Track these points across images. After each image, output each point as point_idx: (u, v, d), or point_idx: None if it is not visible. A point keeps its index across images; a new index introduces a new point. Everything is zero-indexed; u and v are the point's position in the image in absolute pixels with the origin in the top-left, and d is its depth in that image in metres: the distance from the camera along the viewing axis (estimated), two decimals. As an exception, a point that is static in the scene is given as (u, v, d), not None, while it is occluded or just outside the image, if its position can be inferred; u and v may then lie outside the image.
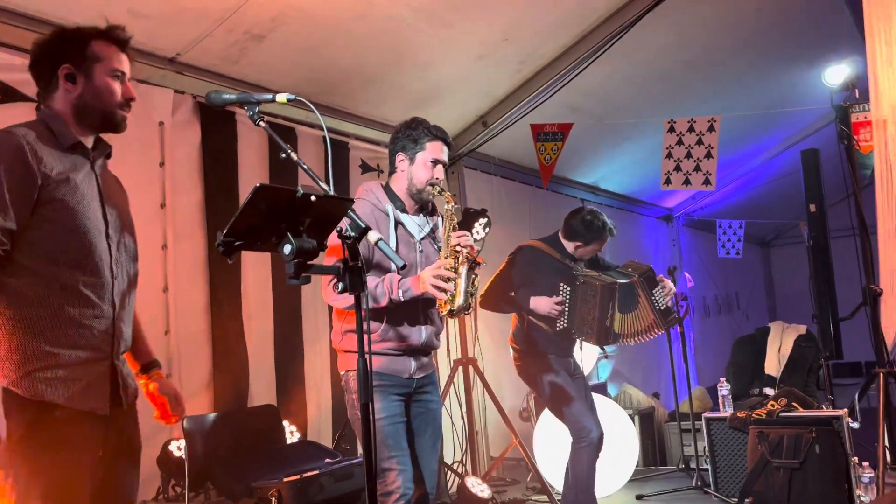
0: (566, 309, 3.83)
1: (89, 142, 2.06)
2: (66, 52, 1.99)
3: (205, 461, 3.25)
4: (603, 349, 4.06)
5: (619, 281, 3.86)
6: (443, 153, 2.79)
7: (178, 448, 3.35)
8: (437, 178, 2.76)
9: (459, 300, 2.59)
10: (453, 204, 2.69)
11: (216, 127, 4.16)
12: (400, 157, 2.80)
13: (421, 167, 2.76)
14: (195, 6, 3.56)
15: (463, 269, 2.58)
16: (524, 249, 4.04)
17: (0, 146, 1.84)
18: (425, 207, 2.87)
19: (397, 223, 2.75)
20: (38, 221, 1.86)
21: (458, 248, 2.61)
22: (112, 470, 1.99)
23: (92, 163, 2.04)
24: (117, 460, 2.01)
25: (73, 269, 1.90)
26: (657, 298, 3.86)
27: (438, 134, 2.79)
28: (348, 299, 2.51)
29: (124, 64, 2.05)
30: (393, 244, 2.66)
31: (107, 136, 2.14)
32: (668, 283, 3.89)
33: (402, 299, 2.57)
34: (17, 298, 1.86)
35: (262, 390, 4.19)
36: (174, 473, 3.30)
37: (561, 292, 3.85)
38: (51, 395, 1.84)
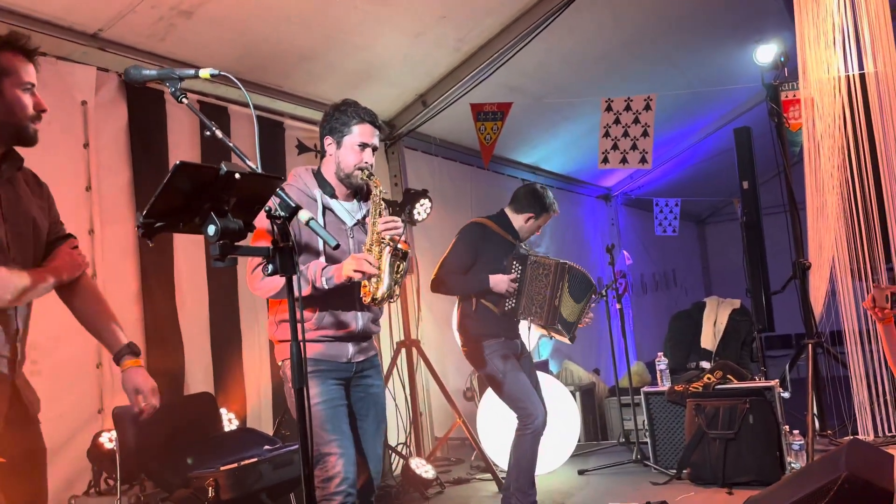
0: (515, 288, 3.82)
1: (1, 155, 1.98)
2: None
3: (138, 452, 3.14)
4: (548, 331, 4.06)
5: (570, 264, 3.90)
6: (372, 137, 2.72)
7: (109, 440, 3.23)
8: (365, 163, 2.68)
9: (383, 288, 2.53)
10: (381, 189, 2.63)
11: (144, 106, 4.00)
12: (328, 140, 2.73)
13: (349, 151, 2.68)
14: (116, -21, 3.40)
15: (387, 257, 2.52)
16: (472, 227, 3.97)
17: None
18: (358, 192, 2.80)
19: (326, 209, 2.68)
20: None
21: (383, 236, 2.55)
22: (12, 484, 1.95)
23: (2, 176, 1.98)
24: (17, 473, 1.97)
25: None
26: (585, 311, 3.94)
27: (366, 117, 2.71)
28: (274, 285, 2.45)
29: (32, 75, 1.99)
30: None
31: None
32: (591, 315, 4.02)
33: (326, 287, 2.51)
34: None
35: (198, 378, 4.08)
36: (106, 466, 3.19)
37: (514, 271, 3.83)
38: None
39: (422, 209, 5.28)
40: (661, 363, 4.94)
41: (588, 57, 5.82)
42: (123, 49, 3.83)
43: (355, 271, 2.44)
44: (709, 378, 4.67)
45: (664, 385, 4.88)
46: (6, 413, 1.94)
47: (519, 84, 5.73)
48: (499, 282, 3.78)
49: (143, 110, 3.99)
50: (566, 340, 3.98)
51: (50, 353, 3.41)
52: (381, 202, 2.62)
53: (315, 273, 2.51)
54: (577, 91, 6.14)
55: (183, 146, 4.17)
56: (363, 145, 2.69)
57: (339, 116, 2.71)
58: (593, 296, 4.03)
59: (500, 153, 6.46)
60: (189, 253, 4.14)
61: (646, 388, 4.97)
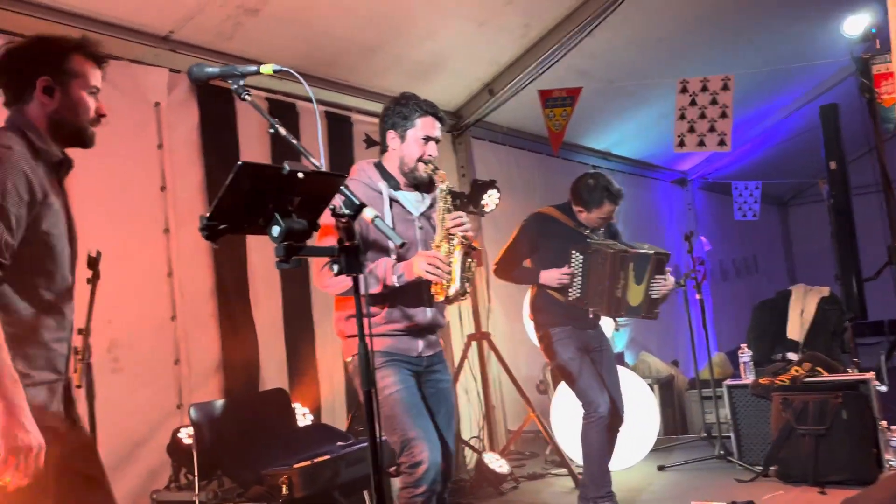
0: (578, 278, 3.73)
1: (59, 154, 2.03)
2: (45, 64, 1.96)
3: (214, 449, 3.18)
4: (615, 321, 3.97)
5: (631, 250, 3.76)
6: (435, 129, 2.68)
7: (187, 435, 3.29)
8: (429, 156, 2.65)
9: (455, 286, 2.50)
10: (446, 184, 2.58)
11: (214, 105, 4.04)
12: (391, 134, 2.69)
13: (412, 144, 2.65)
14: (183, -20, 3.44)
15: (457, 254, 2.48)
16: (536, 216, 3.96)
17: (5, 162, 1.82)
18: (421, 184, 2.76)
19: (392, 201, 2.65)
20: (31, 240, 1.85)
21: (452, 232, 2.51)
22: (77, 477, 1.99)
23: (60, 180, 2.02)
24: (80, 470, 2.00)
25: (45, 290, 1.90)
26: (655, 285, 3.76)
27: (429, 109, 2.68)
28: (343, 284, 2.42)
29: (98, 80, 2.04)
30: (389, 223, 2.55)
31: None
32: (672, 279, 3.82)
33: (397, 285, 2.49)
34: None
35: (273, 373, 4.13)
36: (184, 461, 3.25)
37: (573, 261, 3.75)
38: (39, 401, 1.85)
39: (490, 200, 5.20)
40: (745, 355, 4.73)
41: (660, 37, 5.59)
42: (193, 49, 3.88)
43: (427, 272, 2.41)
44: (796, 370, 4.44)
45: (748, 378, 4.67)
46: (65, 410, 1.98)
47: (588, 68, 5.56)
48: (549, 277, 3.76)
49: (213, 109, 4.03)
50: (648, 318, 3.87)
51: (130, 349, 3.50)
52: (448, 197, 2.57)
53: (385, 271, 2.49)
54: (650, 73, 5.92)
55: (253, 144, 4.20)
56: (427, 138, 2.66)
57: (400, 110, 2.68)
58: (661, 263, 3.80)
59: (570, 139, 6.29)
60: (262, 248, 4.17)
61: (729, 381, 4.76)
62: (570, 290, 3.74)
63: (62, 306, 1.96)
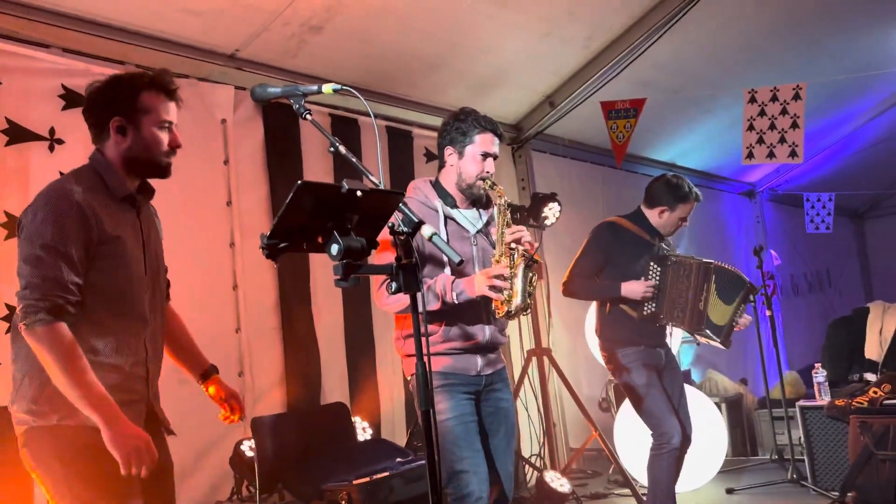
0: (655, 291, 3.58)
1: (136, 185, 2.12)
2: (117, 104, 2.04)
3: (275, 462, 3.22)
4: (694, 336, 3.79)
5: (715, 263, 3.64)
6: (493, 146, 2.65)
7: (249, 448, 3.33)
8: (487, 172, 2.62)
9: (517, 300, 2.46)
10: (505, 199, 2.55)
11: (279, 122, 4.12)
12: (448, 150, 2.67)
13: (470, 161, 2.62)
14: (250, 1, 3.51)
15: (519, 268, 2.44)
16: (606, 226, 3.76)
17: (62, 206, 1.92)
18: (479, 201, 2.73)
19: (448, 218, 2.63)
20: (91, 275, 1.95)
21: (512, 246, 2.47)
22: (152, 487, 2.05)
23: (138, 211, 2.11)
24: (156, 479, 2.05)
25: (116, 318, 2.00)
26: (739, 313, 3.64)
27: (488, 125, 2.65)
28: (401, 302, 2.41)
29: (172, 113, 2.10)
30: (445, 241, 2.53)
31: None
32: (748, 317, 3.73)
33: (457, 302, 2.45)
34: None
35: (334, 387, 4.15)
36: (246, 474, 3.29)
37: (650, 273, 3.61)
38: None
39: (551, 213, 5.14)
40: (820, 375, 4.52)
41: (727, 46, 5.45)
42: (258, 67, 3.97)
43: (489, 288, 2.38)
44: (875, 392, 4.23)
45: (823, 399, 4.46)
46: (144, 429, 2.02)
47: (652, 78, 5.46)
48: (633, 289, 3.55)
49: (278, 126, 4.11)
50: (719, 345, 3.71)
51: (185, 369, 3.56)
52: (507, 212, 2.54)
53: (444, 288, 2.46)
54: (716, 82, 5.77)
55: (315, 160, 4.26)
56: (485, 154, 2.63)
57: (459, 126, 2.65)
58: (750, 295, 3.71)
59: (633, 151, 6.17)
60: (325, 263, 4.22)
61: (802, 402, 4.56)
62: (646, 304, 3.61)
63: (135, 329, 2.04)
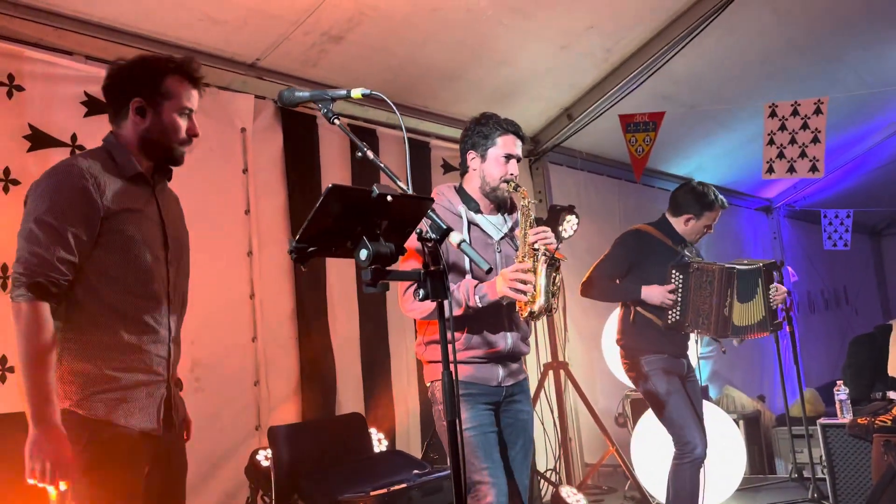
0: (678, 299, 3.55)
1: (151, 167, 2.10)
2: (140, 85, 2.02)
3: (291, 472, 3.19)
4: (720, 342, 3.75)
5: (738, 266, 3.60)
6: (516, 147, 2.63)
7: (265, 458, 3.31)
8: (511, 174, 2.60)
9: (540, 300, 2.41)
10: (529, 199, 2.52)
11: (298, 131, 4.12)
12: (471, 154, 2.65)
13: (493, 163, 2.61)
14: (272, 10, 3.52)
15: (542, 268, 2.40)
16: (630, 234, 3.76)
17: (62, 179, 1.90)
18: (503, 206, 2.71)
19: (471, 224, 2.60)
20: (100, 251, 1.92)
21: (535, 247, 2.44)
22: (159, 486, 2.02)
23: (153, 189, 2.09)
24: (165, 478, 2.04)
25: (134, 296, 1.96)
26: (771, 295, 3.59)
27: (510, 127, 2.63)
28: (426, 308, 2.38)
29: (193, 101, 2.08)
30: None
31: (190, 147, 2.17)
32: (782, 287, 3.63)
33: (480, 306, 2.42)
34: (81, 325, 1.91)
35: (349, 397, 4.13)
36: (262, 483, 3.26)
37: (673, 280, 3.57)
38: (110, 415, 1.90)
39: (568, 225, 5.12)
40: (841, 392, 4.45)
41: (747, 60, 5.42)
42: (279, 76, 3.98)
43: (511, 289, 2.34)
44: (898, 411, 4.16)
45: (845, 417, 4.39)
46: (163, 416, 2.00)
47: (671, 92, 5.43)
48: (652, 293, 3.54)
49: (297, 135, 4.11)
50: (770, 335, 3.71)
51: (212, 370, 3.55)
52: (531, 213, 2.52)
53: (467, 292, 2.43)
54: (735, 97, 5.74)
55: (334, 168, 4.26)
56: (508, 156, 2.61)
57: (480, 129, 2.64)
58: (770, 273, 3.65)
59: (651, 164, 6.14)
60: (341, 272, 4.21)
61: (823, 420, 4.49)
62: (671, 312, 3.57)
63: (154, 307, 1.99)
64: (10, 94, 3.07)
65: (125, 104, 2.02)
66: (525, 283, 2.34)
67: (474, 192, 2.66)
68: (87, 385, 1.89)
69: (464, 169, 2.71)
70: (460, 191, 2.69)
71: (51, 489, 1.80)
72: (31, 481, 1.79)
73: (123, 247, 1.94)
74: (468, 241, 2.54)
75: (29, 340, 1.81)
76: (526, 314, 2.46)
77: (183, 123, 2.06)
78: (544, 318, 2.53)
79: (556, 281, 2.46)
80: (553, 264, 2.42)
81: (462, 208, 2.62)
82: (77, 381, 1.88)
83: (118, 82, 2.04)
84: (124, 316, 1.94)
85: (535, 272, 2.41)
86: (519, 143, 2.65)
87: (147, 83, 2.02)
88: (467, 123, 2.71)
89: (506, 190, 2.61)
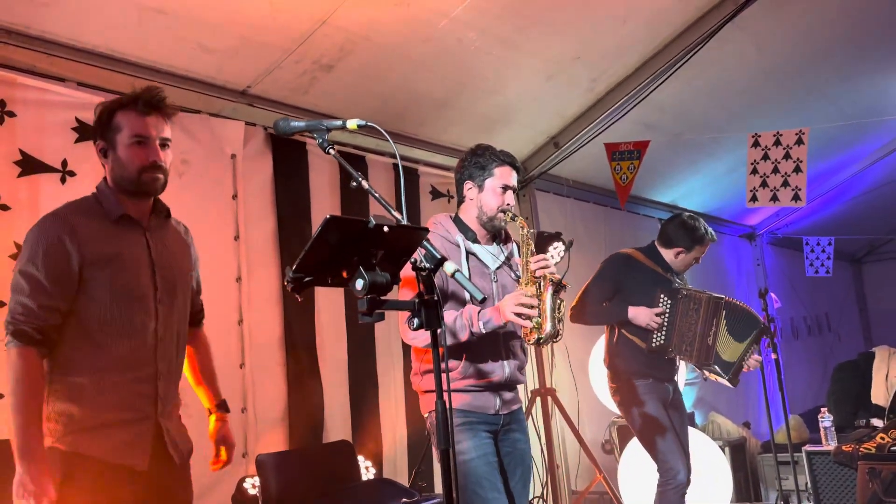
0: (664, 322, 3.58)
1: (144, 207, 2.13)
2: (98, 128, 2.10)
3: (279, 500, 3.16)
4: (702, 371, 3.78)
5: (725, 298, 3.64)
6: (512, 178, 2.68)
7: (252, 486, 3.28)
8: (507, 205, 2.65)
9: (547, 327, 2.46)
10: (527, 229, 2.56)
11: (287, 158, 4.14)
12: (468, 185, 2.70)
13: (490, 194, 2.65)
14: (263, 38, 3.56)
15: (547, 294, 2.44)
16: (619, 256, 3.81)
17: (41, 232, 1.99)
18: (498, 235, 2.75)
19: (469, 254, 2.63)
20: (83, 297, 1.98)
21: (537, 275, 2.47)
22: None
23: (145, 229, 2.12)
24: None
25: (118, 337, 2.00)
26: (749, 354, 3.64)
27: (506, 159, 2.69)
28: (427, 336, 2.40)
29: (148, 128, 2.08)
30: (466, 276, 2.53)
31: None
32: (758, 357, 3.74)
33: (484, 332, 2.42)
34: (65, 366, 1.98)
35: (337, 424, 4.10)
36: (249, 512, 3.23)
37: (661, 304, 3.60)
38: (89, 449, 1.94)
39: (555, 252, 5.15)
40: (826, 419, 4.49)
41: (729, 91, 5.53)
42: (269, 104, 4.00)
43: (516, 314, 2.35)
44: (882, 438, 4.20)
45: (830, 444, 4.43)
46: (151, 452, 2.01)
47: (655, 121, 5.52)
48: (639, 314, 3.57)
49: (286, 162, 4.13)
50: (727, 383, 3.69)
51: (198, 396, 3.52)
52: (530, 241, 2.56)
53: (471, 318, 2.44)
54: (719, 126, 5.84)
55: (324, 195, 4.28)
56: (505, 187, 2.66)
57: (477, 161, 2.69)
58: (762, 335, 3.71)
59: (636, 192, 6.21)
60: (330, 299, 4.21)
61: (808, 447, 4.53)
62: (655, 335, 3.60)
63: (137, 347, 2.03)
64: (1, 120, 3.08)
65: (97, 151, 2.10)
66: (531, 307, 2.36)
67: (471, 221, 2.70)
68: (71, 423, 1.94)
69: (460, 199, 2.74)
70: (457, 220, 2.72)
71: None
72: None
73: (104, 292, 1.99)
74: (467, 270, 2.56)
75: (17, 384, 1.88)
76: (533, 341, 2.49)
77: (137, 152, 2.06)
78: (551, 343, 2.56)
79: (561, 307, 2.50)
80: (558, 290, 2.46)
81: (460, 238, 2.64)
82: (62, 420, 1.94)
83: (91, 131, 2.14)
84: (106, 356, 1.98)
85: (539, 298, 2.44)
86: (515, 174, 2.70)
87: (103, 124, 2.08)
88: (463, 154, 2.75)
89: (503, 220, 2.66)
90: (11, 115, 3.11)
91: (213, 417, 2.39)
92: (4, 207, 3.04)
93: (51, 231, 1.96)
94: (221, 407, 2.41)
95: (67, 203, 2.10)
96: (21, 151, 3.12)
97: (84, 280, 1.97)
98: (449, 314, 2.45)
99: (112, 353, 1.99)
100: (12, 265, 3.01)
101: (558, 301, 2.49)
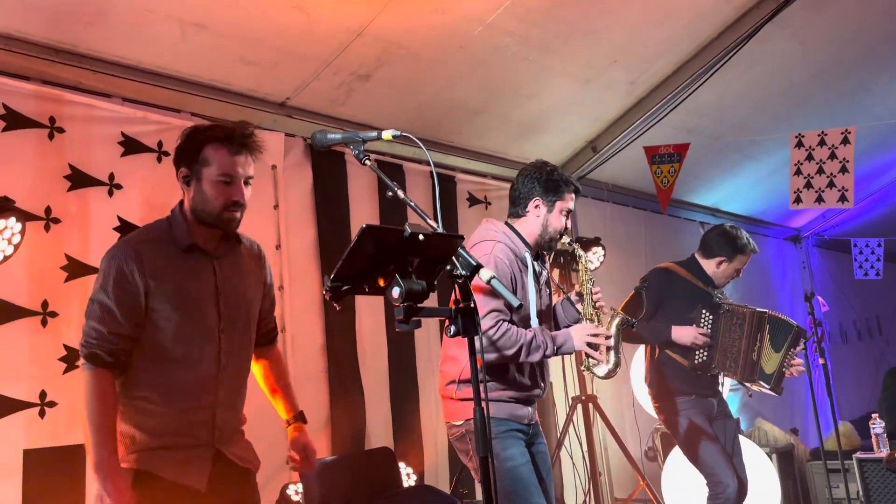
0: (707, 340, 3.54)
1: (214, 235, 2.15)
2: (185, 156, 2.11)
3: (322, 506, 3.19)
4: (746, 386, 3.72)
5: (769, 312, 3.58)
6: (573, 203, 2.77)
7: (295, 492, 3.32)
8: (567, 229, 2.75)
9: (612, 359, 2.60)
10: (584, 254, 2.65)
11: (327, 168, 4.20)
12: (536, 202, 2.73)
13: (558, 216, 2.72)
14: (302, 51, 3.61)
15: (613, 328, 2.55)
16: (656, 273, 3.77)
17: (111, 260, 2.04)
18: (540, 253, 2.82)
19: (532, 270, 2.71)
20: (149, 325, 2.04)
21: (597, 306, 2.62)
22: None
23: (213, 257, 2.14)
24: None
25: (179, 365, 2.06)
26: (789, 359, 3.57)
27: (576, 185, 2.78)
28: (502, 355, 2.47)
29: (236, 167, 2.08)
30: (532, 294, 2.59)
31: None
32: (801, 360, 3.67)
33: (556, 355, 2.54)
34: (131, 389, 2.05)
35: (379, 431, 4.13)
36: (293, 518, 3.27)
37: (703, 320, 3.55)
38: (152, 467, 2.01)
39: (595, 257, 5.12)
40: (878, 425, 4.38)
41: (771, 91, 5.43)
42: (308, 115, 4.06)
43: (588, 344, 2.49)
44: (937, 444, 4.07)
45: (881, 451, 4.31)
46: (209, 474, 2.06)
47: (695, 124, 5.46)
48: (683, 334, 3.51)
49: (326, 172, 4.19)
50: (771, 392, 3.62)
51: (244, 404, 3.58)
52: (587, 268, 2.62)
53: (545, 341, 2.52)
54: (760, 127, 5.74)
55: (363, 204, 4.32)
56: (569, 212, 2.74)
57: (551, 180, 2.72)
58: (800, 339, 3.64)
59: (676, 196, 6.14)
60: (371, 307, 4.24)
61: (859, 454, 4.41)
62: (698, 353, 3.54)
63: (199, 376, 2.08)
64: (51, 136, 3.18)
65: (178, 176, 2.13)
66: (604, 341, 2.51)
67: (530, 236, 2.74)
68: (132, 445, 2.02)
69: (520, 212, 2.76)
70: (516, 232, 2.75)
71: None
72: None
73: (168, 322, 2.04)
74: (532, 286, 2.60)
75: (90, 404, 1.96)
76: (601, 374, 2.62)
77: (222, 190, 2.07)
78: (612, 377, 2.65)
79: (620, 339, 2.65)
80: (623, 324, 2.55)
81: (527, 253, 2.69)
82: (124, 442, 2.02)
83: (175, 155, 2.15)
84: (168, 384, 2.05)
85: (602, 326, 2.59)
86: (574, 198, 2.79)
87: (190, 153, 2.09)
88: (531, 171, 2.77)
89: (560, 242, 2.73)
90: (61, 130, 3.21)
91: (290, 428, 2.42)
92: (56, 220, 3.14)
93: (120, 260, 2.02)
94: (298, 418, 2.43)
95: (140, 229, 2.17)
96: (70, 166, 3.22)
97: (150, 309, 2.03)
98: (518, 331, 2.51)
99: (173, 381, 2.05)
100: (64, 276, 3.12)
101: (619, 336, 2.63)
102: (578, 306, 2.69)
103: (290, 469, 2.48)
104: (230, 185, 2.08)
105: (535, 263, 2.72)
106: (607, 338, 2.49)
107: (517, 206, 2.75)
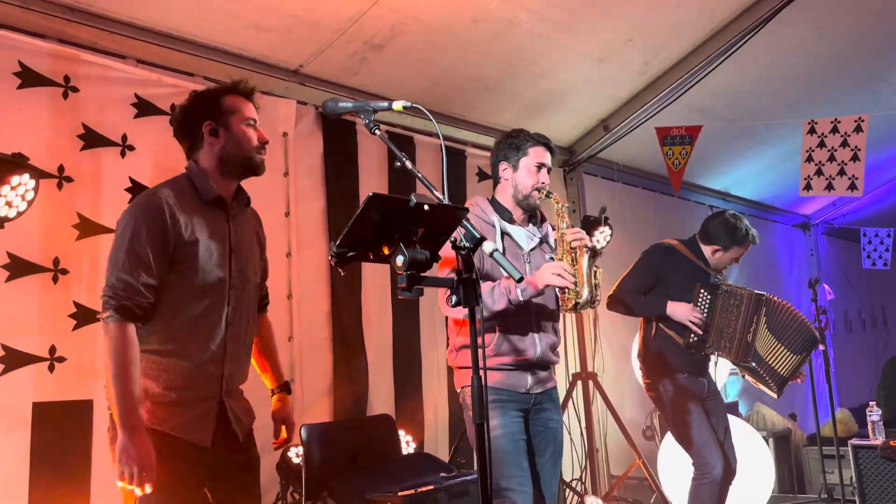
0: (703, 318, 3.56)
1: (231, 191, 2.22)
2: (205, 111, 2.18)
3: (322, 470, 3.26)
4: (742, 373, 3.74)
5: (766, 295, 3.59)
6: (546, 157, 2.75)
7: (296, 455, 3.38)
8: (542, 183, 2.71)
9: (584, 292, 2.52)
10: (563, 203, 2.63)
11: (337, 136, 4.21)
12: (503, 165, 2.77)
13: (525, 172, 2.72)
14: (316, 18, 3.62)
15: (584, 260, 2.51)
16: (658, 248, 3.77)
17: (144, 208, 2.06)
18: (534, 216, 2.81)
19: (504, 234, 2.69)
20: (172, 277, 2.07)
21: (573, 246, 2.55)
22: (224, 492, 2.15)
23: (228, 214, 2.20)
24: (230, 483, 2.17)
25: (192, 318, 2.09)
26: (800, 366, 3.60)
27: (540, 139, 2.77)
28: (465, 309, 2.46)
29: (253, 112, 2.24)
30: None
31: None
32: (804, 372, 3.72)
33: (522, 299, 2.49)
34: (146, 342, 2.07)
35: (381, 398, 4.19)
36: (293, 480, 3.34)
37: (700, 299, 3.58)
38: (161, 424, 2.04)
39: (601, 236, 5.14)
40: (874, 413, 4.41)
41: (786, 76, 5.40)
42: (320, 83, 4.07)
43: (555, 275, 2.43)
44: (932, 434, 4.10)
45: (877, 438, 4.34)
46: (214, 430, 2.11)
47: (709, 106, 5.43)
48: (678, 309, 3.53)
49: (336, 141, 4.20)
50: (771, 393, 3.64)
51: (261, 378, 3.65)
52: (566, 215, 2.61)
53: (508, 287, 2.50)
54: (773, 112, 5.71)
55: (372, 174, 4.34)
56: (539, 165, 2.72)
57: (511, 142, 2.76)
58: (817, 344, 3.65)
59: (687, 178, 6.11)
60: (376, 275, 4.28)
61: (854, 441, 4.45)
62: (693, 331, 3.57)
63: (211, 329, 2.12)
64: (65, 95, 3.21)
65: (198, 131, 2.17)
66: (567, 278, 2.44)
67: (507, 201, 2.75)
68: (146, 397, 2.04)
69: (496, 180, 2.79)
70: (493, 201, 2.78)
71: (137, 491, 1.94)
72: (120, 484, 1.94)
73: (187, 276, 2.08)
74: (502, 249, 2.61)
75: (116, 357, 1.97)
76: (570, 306, 2.55)
77: (252, 133, 2.20)
78: (588, 310, 2.58)
79: (598, 274, 2.55)
80: (594, 256, 2.51)
81: (495, 217, 2.69)
82: (144, 396, 2.04)
83: (184, 118, 2.20)
84: (180, 339, 2.08)
85: (576, 264, 2.51)
86: (549, 154, 2.76)
87: (210, 107, 2.18)
88: (499, 138, 2.82)
89: (538, 198, 2.70)
90: (75, 90, 3.24)
91: (274, 398, 2.48)
92: (68, 179, 3.18)
93: (154, 210, 2.04)
94: (283, 388, 2.49)
95: (163, 183, 2.19)
96: (84, 125, 3.25)
97: (174, 261, 2.06)
98: (485, 285, 2.51)
99: (186, 334, 2.09)
100: (76, 235, 3.16)
101: (594, 268, 2.55)
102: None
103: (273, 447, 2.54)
104: (255, 129, 2.21)
105: (519, 228, 2.73)
106: (571, 270, 2.44)
107: (494, 177, 2.81)
